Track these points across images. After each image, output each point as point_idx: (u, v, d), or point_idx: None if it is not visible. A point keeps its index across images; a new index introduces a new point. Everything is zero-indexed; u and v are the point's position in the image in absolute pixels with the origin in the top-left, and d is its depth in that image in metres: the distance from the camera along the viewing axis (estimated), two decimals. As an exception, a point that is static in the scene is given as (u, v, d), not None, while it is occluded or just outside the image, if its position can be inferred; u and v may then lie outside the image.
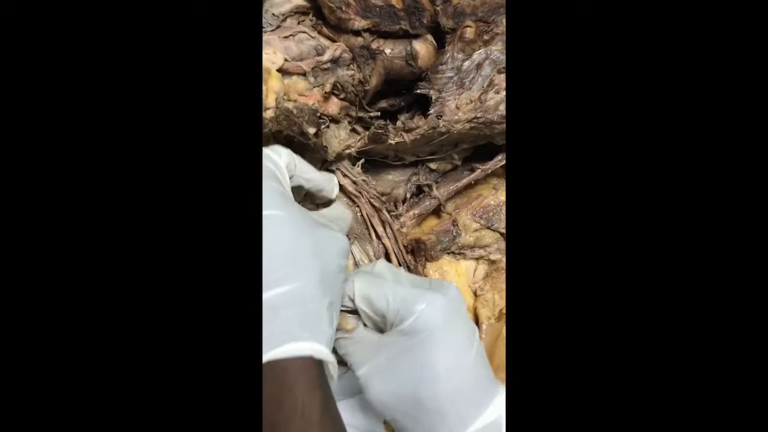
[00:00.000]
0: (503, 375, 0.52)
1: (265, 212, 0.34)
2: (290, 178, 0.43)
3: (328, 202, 0.50)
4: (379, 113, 0.53)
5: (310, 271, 0.34)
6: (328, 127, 0.49)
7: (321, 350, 0.33)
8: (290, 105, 0.45)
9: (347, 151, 0.50)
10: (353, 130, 0.52)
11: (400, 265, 0.53)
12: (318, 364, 0.33)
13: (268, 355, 0.31)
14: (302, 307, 0.33)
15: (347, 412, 0.49)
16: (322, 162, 0.51)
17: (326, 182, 0.48)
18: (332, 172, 0.51)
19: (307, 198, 0.49)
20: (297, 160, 0.44)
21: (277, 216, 0.35)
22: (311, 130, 0.45)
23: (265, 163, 0.40)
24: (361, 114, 0.53)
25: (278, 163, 0.41)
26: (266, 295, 0.32)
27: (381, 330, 0.41)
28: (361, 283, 0.40)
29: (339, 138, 0.50)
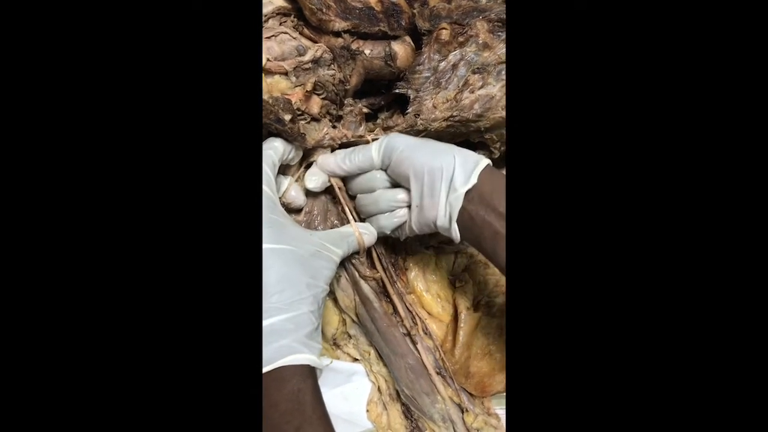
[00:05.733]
0: (480, 363, 0.54)
1: (264, 246, 0.42)
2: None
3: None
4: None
5: (305, 303, 0.42)
6: (308, 123, 0.51)
7: (314, 360, 0.41)
8: (266, 96, 0.46)
9: (328, 143, 0.52)
10: (333, 128, 0.54)
11: (382, 266, 0.54)
12: (310, 369, 0.41)
13: (275, 364, 0.39)
14: (301, 330, 0.41)
15: (332, 401, 0.51)
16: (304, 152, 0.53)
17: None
18: None
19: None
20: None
21: (276, 250, 0.42)
22: (287, 117, 0.46)
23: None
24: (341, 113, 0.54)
25: (268, 173, 0.46)
26: (272, 320, 0.40)
27: None
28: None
29: (320, 131, 0.51)
